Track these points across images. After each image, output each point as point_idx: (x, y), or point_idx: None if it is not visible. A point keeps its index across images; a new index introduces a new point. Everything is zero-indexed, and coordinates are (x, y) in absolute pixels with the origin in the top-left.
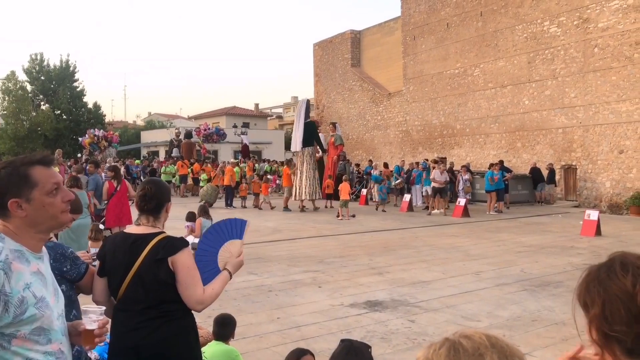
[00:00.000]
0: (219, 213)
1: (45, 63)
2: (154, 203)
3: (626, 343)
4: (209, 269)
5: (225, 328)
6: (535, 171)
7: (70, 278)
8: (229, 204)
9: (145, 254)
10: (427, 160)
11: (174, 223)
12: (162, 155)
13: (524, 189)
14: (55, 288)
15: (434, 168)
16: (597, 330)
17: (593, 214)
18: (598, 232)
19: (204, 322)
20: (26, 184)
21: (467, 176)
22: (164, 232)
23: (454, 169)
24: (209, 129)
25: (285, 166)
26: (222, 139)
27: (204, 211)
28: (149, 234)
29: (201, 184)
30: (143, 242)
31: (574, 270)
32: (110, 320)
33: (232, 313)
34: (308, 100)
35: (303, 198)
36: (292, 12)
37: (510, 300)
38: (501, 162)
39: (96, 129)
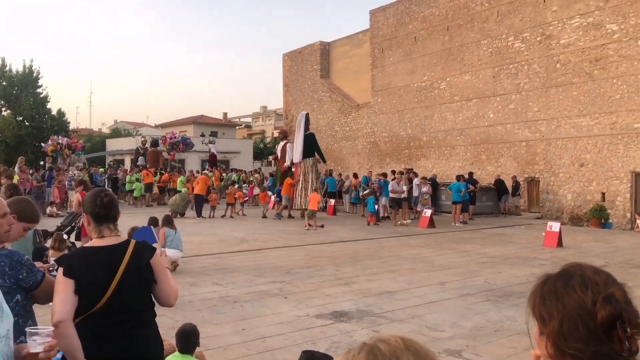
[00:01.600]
0: (188, 223)
1: (7, 68)
2: (117, 210)
3: None
4: None
5: (188, 341)
6: (499, 183)
7: (26, 286)
8: (198, 214)
9: (127, 261)
10: (380, 176)
11: None
12: (127, 164)
13: (488, 201)
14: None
15: (393, 179)
16: (554, 346)
17: (555, 226)
18: (560, 244)
19: (167, 333)
20: None
21: (425, 189)
22: (130, 239)
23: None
24: (175, 137)
25: (287, 176)
26: (188, 147)
27: (168, 221)
28: (122, 242)
29: (134, 191)
30: (121, 251)
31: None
32: (55, 344)
33: (197, 324)
34: (307, 114)
35: (305, 207)
36: (262, 22)
37: (474, 310)
38: (470, 174)
39: (60, 136)
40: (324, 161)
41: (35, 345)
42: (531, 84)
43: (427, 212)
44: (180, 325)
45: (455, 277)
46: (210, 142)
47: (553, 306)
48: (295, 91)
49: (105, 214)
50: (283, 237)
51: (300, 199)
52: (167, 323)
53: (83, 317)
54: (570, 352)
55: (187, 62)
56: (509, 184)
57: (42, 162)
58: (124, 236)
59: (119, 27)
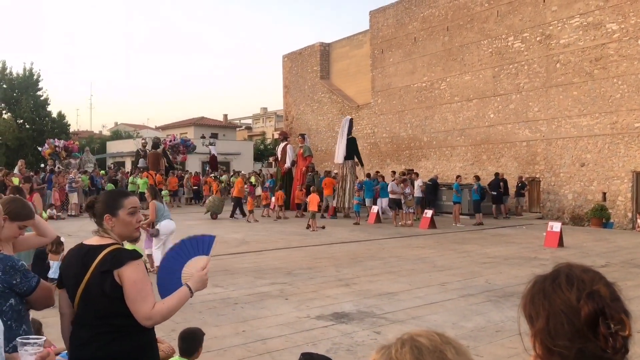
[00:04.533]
0: (187, 225)
1: (7, 71)
2: (92, 213)
3: (568, 358)
4: (172, 287)
5: (189, 343)
6: (503, 183)
7: (20, 292)
8: (237, 215)
9: (94, 266)
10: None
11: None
12: (128, 166)
13: (489, 201)
14: None
15: (392, 180)
16: (541, 345)
17: (556, 226)
18: (560, 244)
19: (168, 335)
20: None
21: (408, 190)
22: (116, 244)
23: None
24: (175, 139)
25: (326, 177)
26: (190, 149)
27: (157, 194)
28: (100, 245)
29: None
30: (94, 253)
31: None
32: (50, 351)
33: (197, 326)
34: (351, 119)
35: (346, 205)
36: (262, 23)
37: (475, 311)
38: (496, 174)
39: (56, 139)
40: (362, 165)
41: (27, 355)
42: (531, 84)
43: (429, 213)
44: (182, 328)
45: (456, 278)
46: (211, 144)
47: (540, 305)
48: (295, 92)
49: (92, 217)
50: (283, 238)
51: (341, 198)
52: (167, 324)
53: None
54: (557, 350)
55: (187, 64)
56: (511, 184)
57: (42, 165)
58: (109, 240)
59: (119, 29)
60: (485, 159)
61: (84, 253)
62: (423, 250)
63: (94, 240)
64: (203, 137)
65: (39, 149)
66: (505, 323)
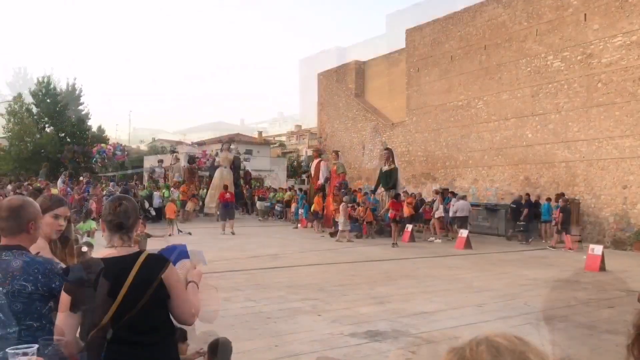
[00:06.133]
0: (221, 239)
1: (52, 86)
2: (130, 221)
3: None
4: None
5: (218, 354)
6: (538, 205)
7: (59, 295)
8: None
9: (134, 275)
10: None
11: None
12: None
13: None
14: None
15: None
16: None
17: (597, 249)
18: (602, 267)
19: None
20: None
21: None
22: (144, 250)
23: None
24: (206, 155)
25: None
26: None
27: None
28: (131, 254)
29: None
30: (128, 264)
31: (578, 305)
32: None
33: (229, 339)
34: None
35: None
36: (275, 28)
37: (513, 333)
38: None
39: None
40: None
41: None
42: (571, 103)
43: (464, 233)
44: (212, 339)
45: (493, 299)
46: (245, 160)
47: None
48: (330, 109)
49: (116, 226)
50: (316, 254)
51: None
52: (200, 336)
53: (95, 329)
54: None
55: (202, 68)
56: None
57: (80, 178)
58: (135, 247)
59: (154, 46)
60: (522, 179)
61: (112, 266)
62: (459, 271)
63: (118, 252)
64: (221, 141)
65: (58, 156)
66: (546, 347)
